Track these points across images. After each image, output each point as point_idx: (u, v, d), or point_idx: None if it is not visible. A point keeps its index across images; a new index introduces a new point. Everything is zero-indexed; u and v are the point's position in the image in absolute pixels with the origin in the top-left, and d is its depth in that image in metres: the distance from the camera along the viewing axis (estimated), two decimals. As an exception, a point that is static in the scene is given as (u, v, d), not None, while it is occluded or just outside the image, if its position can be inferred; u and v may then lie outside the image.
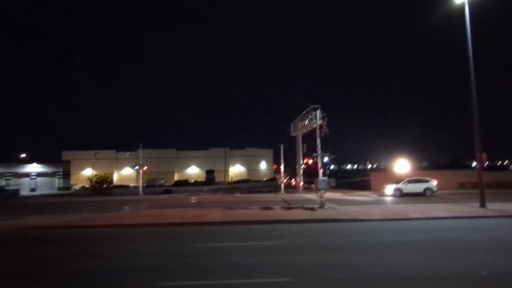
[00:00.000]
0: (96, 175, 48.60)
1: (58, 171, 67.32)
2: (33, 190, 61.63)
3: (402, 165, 38.73)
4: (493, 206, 16.63)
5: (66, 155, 75.41)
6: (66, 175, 68.47)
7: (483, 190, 16.98)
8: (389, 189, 26.98)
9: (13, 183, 57.64)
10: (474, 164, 19.32)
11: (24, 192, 56.06)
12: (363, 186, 37.87)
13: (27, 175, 63.06)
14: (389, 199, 25.16)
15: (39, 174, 64.53)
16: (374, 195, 28.94)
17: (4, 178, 59.86)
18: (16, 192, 49.41)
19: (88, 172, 65.35)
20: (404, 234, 10.82)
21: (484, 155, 16.97)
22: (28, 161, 65.65)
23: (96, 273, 6.82)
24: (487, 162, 17.74)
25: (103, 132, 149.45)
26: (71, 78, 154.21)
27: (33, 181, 63.62)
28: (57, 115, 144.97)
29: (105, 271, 6.95)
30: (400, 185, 26.78)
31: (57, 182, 66.97)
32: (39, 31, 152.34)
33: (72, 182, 68.70)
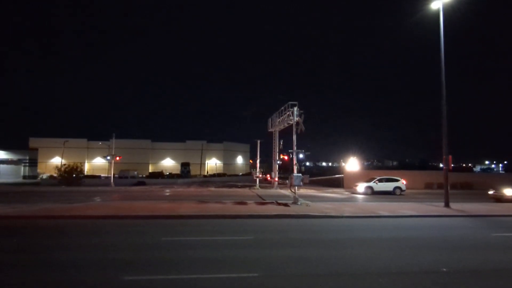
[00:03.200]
0: (65, 164, 46.78)
1: (24, 159, 64.21)
2: (-5, 178, 58.47)
3: (352, 164, 40.13)
4: (456, 206, 17.44)
5: (33, 142, 71.85)
6: (33, 163, 65.41)
7: (447, 191, 17.74)
8: (361, 187, 27.70)
9: (-28, 170, 54.40)
10: (441, 165, 20.10)
11: (-14, 179, 53.13)
12: (337, 183, 38.67)
13: (-11, 161, 59.73)
14: (360, 196, 25.81)
15: (2, 161, 61.30)
16: (347, 193, 29.62)
17: (-37, 164, 56.44)
18: (-24, 179, 46.67)
19: (57, 160, 62.65)
20: (372, 231, 11.12)
21: (450, 157, 17.71)
22: (-9, 147, 62.08)
23: (57, 266, 6.51)
24: (452, 164, 18.53)
25: (74, 120, 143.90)
26: (43, 63, 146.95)
27: (-5, 168, 60.34)
28: (25, 100, 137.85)
29: (66, 264, 6.66)
30: (371, 184, 27.54)
31: (23, 170, 63.96)
32: (9, 13, 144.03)
33: (39, 170, 65.69)
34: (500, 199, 21.08)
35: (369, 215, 14.29)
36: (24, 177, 62.45)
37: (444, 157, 17.73)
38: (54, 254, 7.50)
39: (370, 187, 27.34)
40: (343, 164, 41.11)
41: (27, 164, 64.34)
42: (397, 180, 28.06)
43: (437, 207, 17.31)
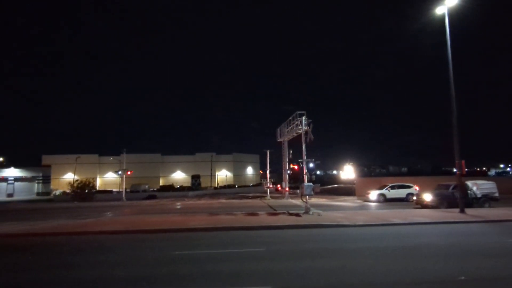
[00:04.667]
0: (77, 180, 47.39)
1: (38, 176, 65.32)
2: (10, 195, 59.60)
3: (348, 172, 39.74)
4: (472, 212, 17.03)
5: (46, 159, 73.29)
6: (46, 180, 66.47)
7: (464, 196, 17.36)
8: (373, 194, 27.32)
9: (-11, 189, 55.54)
10: (454, 170, 19.77)
11: (1, 197, 54.20)
12: (348, 191, 38.23)
13: (4, 179, 60.98)
14: (372, 204, 25.43)
15: (17, 179, 62.44)
16: (359, 201, 29.23)
17: (-21, 183, 57.70)
18: (-9, 197, 47.61)
19: (70, 177, 63.66)
20: (386, 239, 10.90)
21: (463, 162, 17.39)
22: (5, 165, 63.49)
23: (66, 285, 6.53)
24: (466, 169, 18.17)
25: (85, 136, 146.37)
26: (53, 81, 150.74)
27: (10, 186, 61.52)
28: (38, 118, 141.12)
29: (76, 282, 6.67)
30: (383, 191, 27.15)
31: (37, 187, 64.97)
32: (18, 32, 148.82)
33: (52, 187, 66.71)
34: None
35: (382, 223, 14.04)
36: (38, 193, 63.42)
37: (457, 162, 17.41)
38: (61, 272, 7.52)
39: (383, 195, 26.94)
40: (353, 171, 40.59)
41: (41, 181, 65.41)
42: (409, 187, 27.61)
43: (451, 213, 16.92)
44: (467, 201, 19.87)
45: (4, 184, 60.28)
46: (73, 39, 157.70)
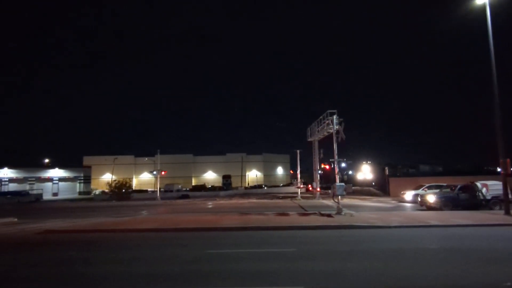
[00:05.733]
0: (115, 180, 49.67)
1: (79, 176, 69.30)
2: (55, 194, 63.66)
3: (365, 172, 38.17)
4: (519, 214, 15.89)
5: (87, 160, 77.54)
6: (87, 180, 70.40)
7: (507, 197, 16.28)
8: (408, 195, 26.31)
9: (36, 188, 59.80)
10: (498, 169, 18.61)
11: (47, 196, 57.99)
12: (382, 192, 37.07)
13: (50, 179, 65.23)
14: (408, 205, 24.50)
15: (61, 179, 66.64)
16: (393, 201, 28.27)
17: (28, 182, 62.17)
18: (39, 196, 51.24)
19: (108, 177, 66.87)
20: (422, 241, 10.44)
21: (508, 160, 16.29)
22: (51, 166, 67.98)
23: (104, 280, 6.84)
24: (512, 168, 17.01)
25: (122, 138, 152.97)
26: (92, 85, 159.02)
27: (55, 185, 65.74)
28: (79, 121, 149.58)
29: (113, 277, 6.96)
30: (419, 191, 26.04)
31: (78, 186, 68.96)
32: (54, 33, 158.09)
33: (92, 186, 70.53)
34: None
35: (418, 224, 13.49)
36: (80, 193, 67.31)
37: (501, 160, 16.34)
38: (103, 267, 7.91)
39: (419, 195, 25.82)
40: (370, 171, 39.23)
41: (82, 180, 69.38)
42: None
43: (495, 215, 15.90)
44: (475, 202, 18.85)
45: (49, 183, 64.52)
46: (109, 40, 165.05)
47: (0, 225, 16.25)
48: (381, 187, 39.86)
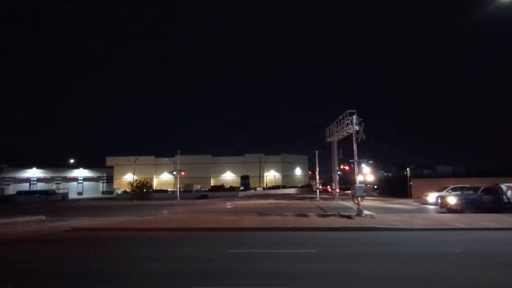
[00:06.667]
0: (136, 180, 50.84)
1: (102, 176, 71.43)
2: (80, 193, 65.92)
3: (366, 172, 36.82)
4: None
5: (109, 160, 79.74)
6: (110, 180, 72.45)
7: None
8: (432, 197, 25.59)
9: (62, 187, 62.09)
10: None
11: (72, 195, 60.12)
12: (403, 193, 36.24)
13: (75, 179, 67.58)
14: (431, 207, 23.84)
15: (85, 179, 68.92)
16: (415, 203, 27.60)
17: (55, 182, 64.60)
18: (65, 195, 53.30)
19: (130, 177, 68.55)
20: (447, 245, 10.15)
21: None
22: (76, 166, 70.39)
23: (127, 276, 7.02)
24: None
25: (143, 138, 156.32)
26: (114, 88, 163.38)
27: (80, 185, 68.05)
28: (102, 121, 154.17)
29: (136, 274, 7.14)
30: (443, 193, 25.26)
31: (101, 186, 71.08)
32: (78, 36, 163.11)
33: (115, 186, 72.49)
34: None
35: (443, 227, 13.10)
36: (103, 192, 69.38)
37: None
38: (127, 264, 8.14)
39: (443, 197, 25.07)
40: (409, 172, 38.27)
41: (105, 180, 71.48)
42: (474, 189, 25.36)
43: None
44: (499, 205, 18.07)
45: (75, 183, 66.86)
46: (125, 39, 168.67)
47: (30, 223, 16.99)
48: (401, 189, 38.94)
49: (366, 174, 29.17)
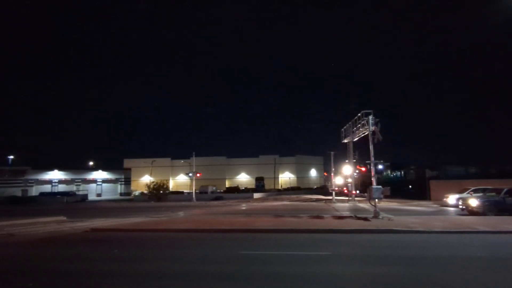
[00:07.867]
0: (153, 182, 51.64)
1: (120, 178, 72.91)
2: (99, 195, 67.52)
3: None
4: None
5: (127, 162, 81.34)
6: (127, 182, 73.89)
7: None
8: (452, 199, 24.85)
9: (82, 189, 63.82)
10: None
11: (91, 196, 61.65)
12: (422, 195, 35.39)
13: (94, 181, 69.27)
14: (451, 209, 23.17)
15: (104, 181, 70.52)
16: (435, 205, 26.90)
17: (75, 183, 66.42)
18: (84, 197, 54.73)
19: (146, 178, 69.70)
20: (468, 248, 9.82)
21: None
22: (95, 168, 72.15)
23: (141, 277, 7.08)
24: None
25: (160, 141, 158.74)
26: (131, 92, 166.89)
27: (99, 187, 69.69)
28: (119, 124, 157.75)
29: (148, 275, 7.18)
30: (464, 195, 24.50)
31: (119, 188, 72.56)
32: (94, 41, 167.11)
33: (132, 188, 73.86)
34: None
35: (464, 230, 12.69)
36: (121, 194, 70.82)
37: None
38: (142, 265, 8.24)
39: (464, 199, 24.33)
40: (428, 173, 37.36)
41: (123, 182, 72.96)
42: (497, 190, 24.50)
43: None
44: None
45: (94, 185, 68.55)
46: (143, 44, 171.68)
47: (52, 223, 17.49)
48: (420, 190, 38.03)
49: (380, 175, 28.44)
